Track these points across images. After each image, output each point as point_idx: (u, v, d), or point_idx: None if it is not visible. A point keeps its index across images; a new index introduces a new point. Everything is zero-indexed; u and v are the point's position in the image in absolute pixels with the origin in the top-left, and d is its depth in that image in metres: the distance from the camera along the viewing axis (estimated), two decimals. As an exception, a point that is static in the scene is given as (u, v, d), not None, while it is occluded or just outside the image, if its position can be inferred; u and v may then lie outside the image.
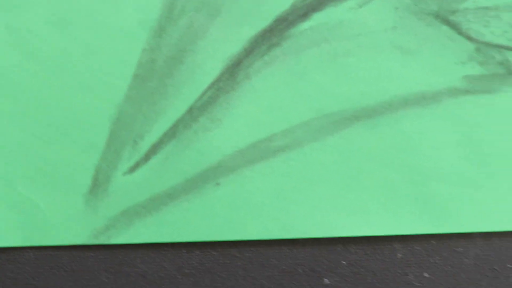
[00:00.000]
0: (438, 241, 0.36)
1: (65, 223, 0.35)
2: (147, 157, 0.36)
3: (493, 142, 0.36)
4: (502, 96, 0.36)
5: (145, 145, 0.36)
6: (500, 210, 0.36)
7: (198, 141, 0.35)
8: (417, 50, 0.36)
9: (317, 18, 0.35)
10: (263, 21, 0.35)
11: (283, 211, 0.36)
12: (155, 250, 0.36)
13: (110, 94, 0.35)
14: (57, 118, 0.35)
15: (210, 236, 0.36)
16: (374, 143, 0.36)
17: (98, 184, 0.35)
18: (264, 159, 0.36)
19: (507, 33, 0.36)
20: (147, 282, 0.36)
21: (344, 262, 0.36)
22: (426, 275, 0.36)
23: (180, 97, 0.35)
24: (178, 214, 0.36)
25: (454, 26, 0.36)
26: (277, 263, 0.36)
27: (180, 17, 0.35)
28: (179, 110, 0.35)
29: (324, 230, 0.36)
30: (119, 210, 0.36)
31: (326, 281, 0.36)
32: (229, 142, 0.35)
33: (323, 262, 0.36)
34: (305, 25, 0.35)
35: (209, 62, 0.35)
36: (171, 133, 0.35)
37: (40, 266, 0.36)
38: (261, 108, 0.35)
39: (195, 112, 0.35)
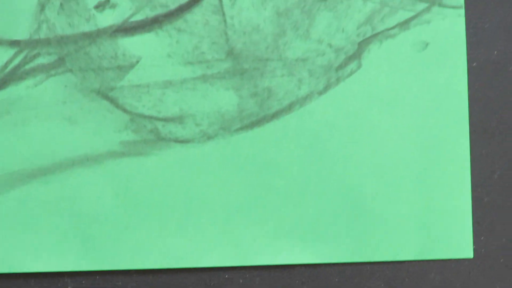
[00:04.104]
0: (102, 276, 0.44)
1: None
2: None
3: (142, 195, 0.44)
4: (153, 159, 0.44)
5: None
6: (153, 250, 0.44)
7: None
8: (82, 120, 0.44)
9: (1, 95, 0.44)
10: (-42, 98, 0.44)
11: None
12: None
13: None
14: None
15: None
16: (48, 196, 0.44)
17: None
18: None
19: (156, 106, 0.44)
20: None
21: (25, 294, 0.44)
22: (92, 305, 0.44)
23: None
24: None
25: (112, 101, 0.44)
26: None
27: None
28: None
29: (13, 267, 0.44)
30: None
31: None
32: None
33: (6, 294, 0.44)
34: (-8, 100, 0.44)
35: None
36: None
37: None
38: (-44, 168, 0.44)
39: None
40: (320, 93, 0.44)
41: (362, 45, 0.44)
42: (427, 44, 0.44)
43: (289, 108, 0.44)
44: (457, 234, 0.44)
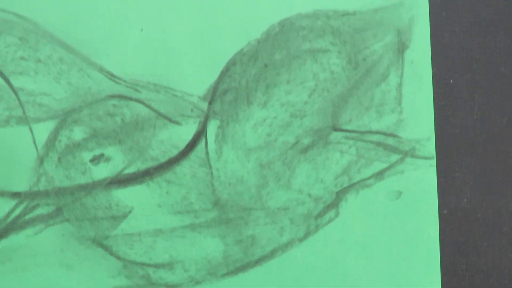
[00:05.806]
0: None
1: None
2: None
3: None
4: (144, 302, 0.47)
5: None
6: None
7: None
8: (78, 267, 0.47)
9: (3, 243, 0.47)
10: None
11: None
12: None
13: None
14: None
15: None
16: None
17: None
18: None
19: (148, 253, 0.47)
20: None
21: None
22: None
23: None
24: None
25: (106, 249, 0.47)
26: None
27: None
28: None
29: None
30: None
31: None
32: None
33: None
34: (-6, 248, 0.47)
35: None
36: None
37: None
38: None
39: None
40: (301, 240, 0.48)
41: (340, 194, 0.48)
42: (400, 193, 0.48)
43: (272, 254, 0.47)
44: None
